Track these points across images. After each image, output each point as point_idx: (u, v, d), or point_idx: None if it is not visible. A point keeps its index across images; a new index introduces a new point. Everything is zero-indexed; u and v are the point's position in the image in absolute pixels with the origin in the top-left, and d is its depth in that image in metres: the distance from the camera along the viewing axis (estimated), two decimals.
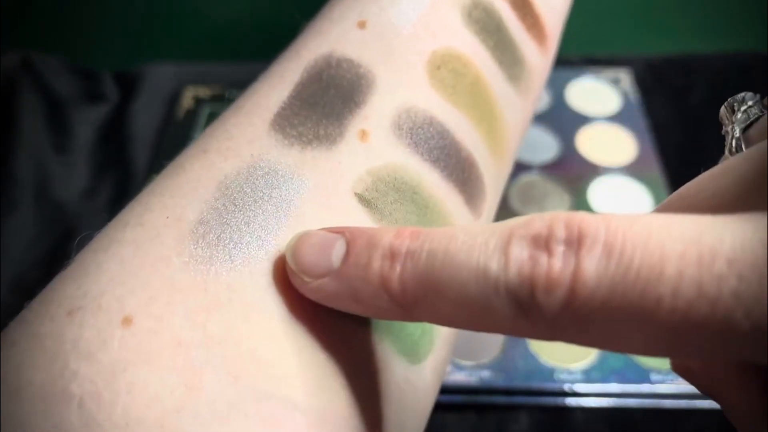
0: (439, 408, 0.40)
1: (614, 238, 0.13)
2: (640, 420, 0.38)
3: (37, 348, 0.16)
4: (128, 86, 0.56)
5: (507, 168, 0.27)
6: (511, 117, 0.26)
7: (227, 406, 0.16)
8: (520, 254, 0.14)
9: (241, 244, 0.18)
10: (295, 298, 0.18)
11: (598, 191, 0.48)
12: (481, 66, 0.24)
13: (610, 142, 0.51)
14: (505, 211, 0.47)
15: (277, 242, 0.18)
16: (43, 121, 0.53)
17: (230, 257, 0.17)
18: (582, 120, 0.53)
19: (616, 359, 0.40)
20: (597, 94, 0.55)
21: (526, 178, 0.49)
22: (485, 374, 0.39)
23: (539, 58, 0.28)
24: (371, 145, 0.21)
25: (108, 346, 0.15)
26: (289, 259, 0.17)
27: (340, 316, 0.18)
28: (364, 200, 0.20)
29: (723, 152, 0.18)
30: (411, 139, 0.21)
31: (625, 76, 0.56)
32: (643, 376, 0.39)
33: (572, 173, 0.49)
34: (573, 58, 0.58)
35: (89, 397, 0.15)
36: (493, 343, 0.40)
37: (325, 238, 0.17)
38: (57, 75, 0.55)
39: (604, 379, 0.39)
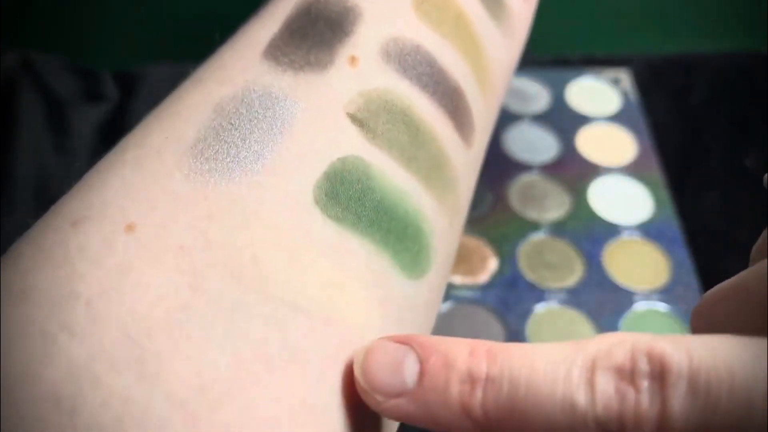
0: None
1: (698, 376, 0.13)
2: None
3: (43, 256, 0.16)
4: (128, 86, 0.56)
5: (495, 106, 0.27)
6: (495, 55, 0.26)
7: (231, 306, 0.16)
8: (606, 387, 0.14)
9: (239, 158, 0.18)
10: (293, 206, 0.18)
11: (598, 191, 0.48)
12: (463, 3, 0.25)
13: (610, 142, 0.51)
14: (505, 210, 0.47)
15: (273, 157, 0.19)
16: (43, 121, 0.53)
17: (228, 170, 0.18)
18: (582, 120, 0.53)
19: None
20: (597, 94, 0.55)
21: (526, 178, 0.49)
22: None
23: (521, 4, 0.29)
24: (361, 70, 0.21)
25: (113, 250, 0.16)
26: (359, 378, 0.17)
27: (339, 225, 0.19)
28: (356, 120, 0.20)
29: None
30: (399, 64, 0.22)
31: (625, 76, 0.56)
32: None
33: (572, 173, 0.49)
34: (573, 58, 0.58)
35: (96, 296, 0.15)
36: (492, 339, 0.40)
37: (395, 355, 0.17)
38: (57, 75, 0.55)
39: None
